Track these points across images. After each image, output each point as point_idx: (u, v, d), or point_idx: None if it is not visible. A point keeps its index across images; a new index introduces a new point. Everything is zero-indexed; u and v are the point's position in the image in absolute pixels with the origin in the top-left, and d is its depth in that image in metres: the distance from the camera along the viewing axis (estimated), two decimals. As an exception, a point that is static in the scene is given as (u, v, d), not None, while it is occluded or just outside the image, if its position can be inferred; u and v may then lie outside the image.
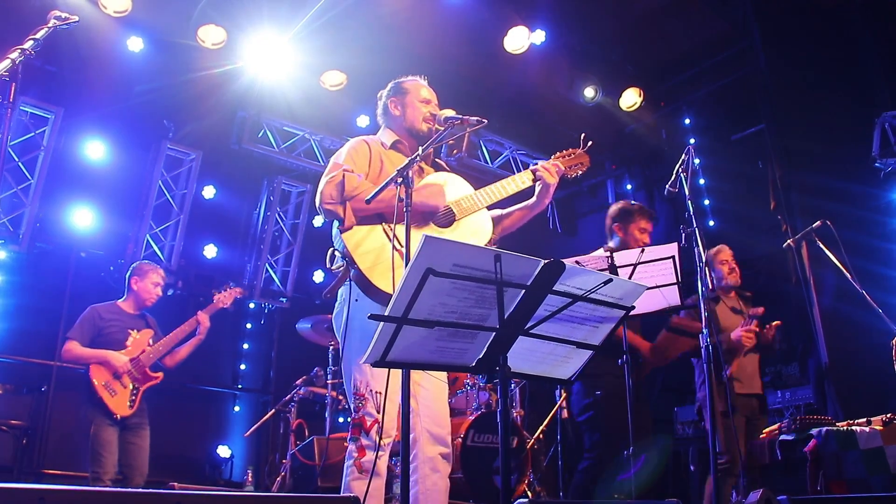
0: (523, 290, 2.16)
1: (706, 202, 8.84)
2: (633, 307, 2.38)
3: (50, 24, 3.14)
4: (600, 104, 8.84)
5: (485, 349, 2.31)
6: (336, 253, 3.64)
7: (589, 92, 8.65)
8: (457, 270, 2.06)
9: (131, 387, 5.79)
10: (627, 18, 8.14)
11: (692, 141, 9.06)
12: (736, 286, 6.04)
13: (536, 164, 3.93)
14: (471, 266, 2.07)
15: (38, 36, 3.00)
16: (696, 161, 8.77)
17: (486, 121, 3.63)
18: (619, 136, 9.43)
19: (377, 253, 3.45)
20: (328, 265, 3.70)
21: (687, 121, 9.20)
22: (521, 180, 3.87)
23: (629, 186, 10.08)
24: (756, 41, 7.88)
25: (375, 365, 2.18)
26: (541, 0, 7.88)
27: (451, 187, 3.77)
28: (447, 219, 3.69)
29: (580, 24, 8.18)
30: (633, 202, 5.51)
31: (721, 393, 5.08)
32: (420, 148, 3.44)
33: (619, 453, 4.88)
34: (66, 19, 3.22)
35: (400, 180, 3.12)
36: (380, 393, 3.41)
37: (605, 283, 2.20)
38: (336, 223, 3.59)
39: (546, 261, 2.12)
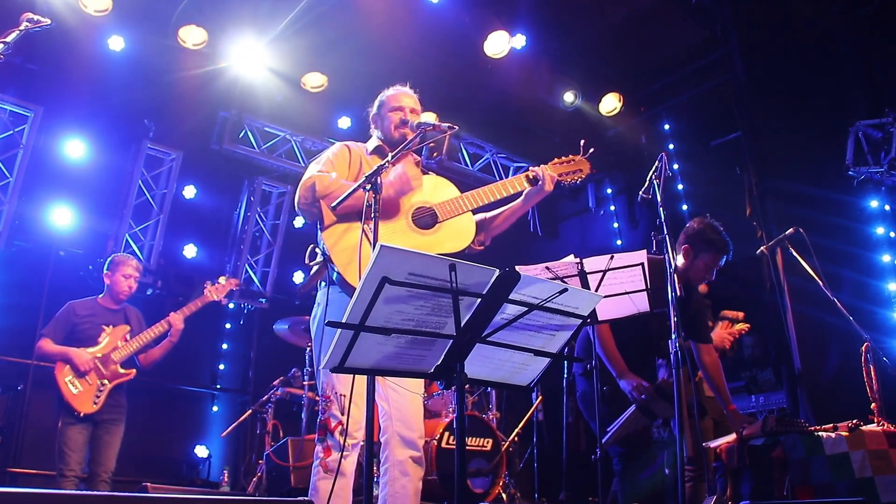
0: (479, 299, 2.20)
1: (684, 207, 8.90)
2: (590, 316, 2.42)
3: (21, 27, 3.16)
4: (580, 109, 8.90)
5: (442, 356, 2.35)
6: (316, 250, 3.69)
7: (569, 96, 8.71)
8: (412, 279, 2.09)
9: (98, 384, 5.77)
10: (608, 24, 8.20)
11: (671, 146, 9.13)
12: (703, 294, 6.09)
13: (532, 168, 3.96)
14: (426, 275, 2.11)
15: (8, 39, 3.02)
16: (675, 166, 8.87)
17: (457, 127, 3.68)
18: (599, 140, 9.45)
19: (353, 252, 3.51)
20: (307, 261, 3.76)
21: (666, 126, 9.26)
22: (513, 185, 3.91)
23: (609, 190, 10.15)
24: (734, 49, 7.96)
25: (334, 370, 2.23)
26: (521, 5, 7.92)
27: (437, 189, 3.84)
28: (429, 221, 3.73)
29: (561, 29, 8.24)
30: (717, 230, 5.28)
31: (689, 395, 5.12)
32: (390, 154, 3.49)
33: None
34: (37, 22, 3.24)
35: (368, 186, 3.16)
36: (345, 395, 3.46)
37: (561, 292, 2.24)
38: (318, 223, 3.67)
39: (501, 270, 2.16)
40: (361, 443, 3.50)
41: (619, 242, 9.79)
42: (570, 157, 4.12)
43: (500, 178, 9.74)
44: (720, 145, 8.71)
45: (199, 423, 9.38)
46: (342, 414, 3.44)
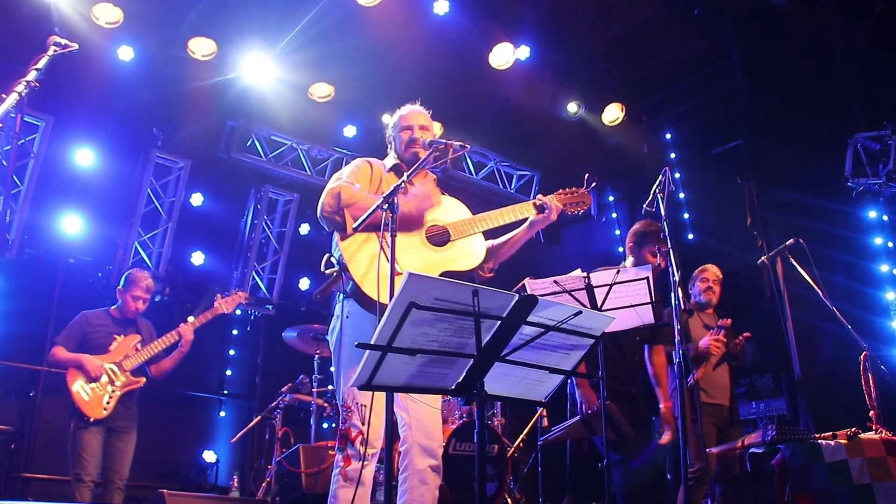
0: (499, 322, 2.33)
1: (686, 216, 9.03)
2: (602, 336, 2.54)
3: (50, 52, 3.27)
4: (583, 118, 9.03)
5: (463, 374, 2.48)
6: (332, 259, 3.80)
7: (572, 107, 8.85)
8: (438, 304, 2.23)
9: (108, 390, 5.88)
10: (610, 36, 8.32)
11: (673, 155, 9.25)
12: (710, 304, 6.22)
13: (539, 197, 4.12)
14: (450, 300, 2.24)
15: (39, 66, 3.13)
16: (677, 175, 8.98)
17: (469, 146, 3.81)
18: (601, 149, 9.60)
19: (370, 263, 3.63)
20: (322, 269, 3.86)
21: (668, 135, 9.38)
22: (521, 211, 4.05)
23: (611, 198, 10.26)
24: (735, 61, 8.08)
25: (362, 388, 2.35)
26: (526, 17, 8.04)
27: (449, 210, 3.97)
28: (442, 238, 3.86)
29: (564, 40, 8.36)
30: (651, 224, 5.49)
31: (688, 400, 5.24)
32: (405, 173, 3.62)
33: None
34: (65, 46, 3.34)
35: (386, 206, 3.28)
36: (365, 406, 3.58)
37: (576, 314, 2.36)
38: (336, 232, 3.78)
39: (520, 295, 2.28)
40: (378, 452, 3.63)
41: (620, 250, 9.87)
42: (574, 189, 4.29)
43: (504, 187, 9.94)
44: (721, 154, 8.83)
45: (207, 429, 9.49)
46: (363, 424, 3.56)
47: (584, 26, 8.17)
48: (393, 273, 3.18)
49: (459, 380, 2.49)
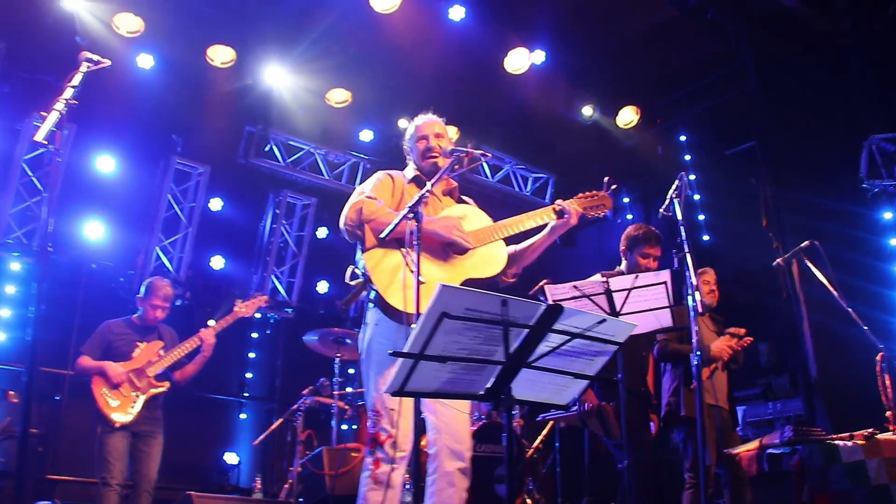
0: (527, 330, 2.42)
1: (700, 217, 9.08)
2: (624, 342, 2.63)
3: (83, 69, 3.37)
4: (598, 121, 9.10)
5: (492, 380, 2.57)
6: (356, 271, 3.89)
7: (587, 110, 8.94)
8: (468, 313, 2.32)
9: (132, 396, 5.98)
10: (624, 39, 8.37)
11: (687, 157, 9.31)
12: (711, 307, 6.26)
13: (558, 202, 4.16)
14: (480, 310, 2.33)
15: (75, 83, 3.24)
16: (692, 177, 9.03)
17: (489, 155, 3.90)
18: (615, 151, 9.66)
19: (393, 275, 3.72)
20: (347, 280, 3.95)
21: (682, 138, 9.44)
22: (541, 216, 4.10)
23: (626, 200, 10.32)
24: (748, 63, 8.12)
25: (395, 394, 2.45)
26: (540, 22, 8.11)
27: (470, 218, 4.05)
28: (463, 247, 3.93)
29: (578, 44, 8.43)
30: (641, 227, 5.66)
31: (691, 401, 5.31)
32: (428, 183, 3.70)
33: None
34: (98, 62, 3.44)
35: (411, 216, 3.37)
36: (394, 409, 3.68)
37: (600, 322, 2.45)
38: (358, 244, 3.88)
39: (547, 304, 2.37)
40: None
41: (636, 251, 9.94)
42: (594, 192, 4.31)
43: (519, 190, 10.00)
44: (735, 155, 8.87)
45: (228, 431, 9.62)
46: (392, 427, 3.65)
47: (598, 30, 8.24)
48: (418, 284, 3.26)
49: (488, 385, 2.58)
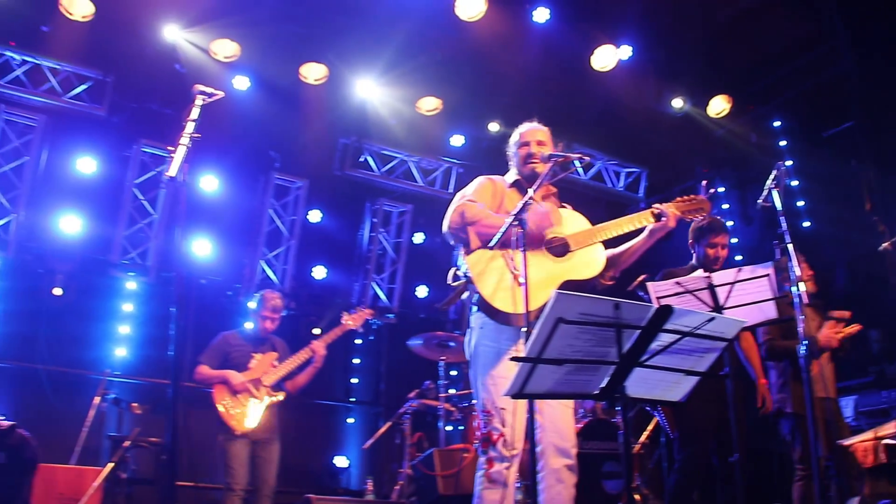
0: (638, 331, 2.51)
1: (800, 203, 8.90)
2: (734, 339, 2.69)
3: (199, 102, 3.58)
4: (689, 113, 9.03)
5: (606, 380, 2.67)
6: (458, 273, 4.03)
7: (677, 102, 8.87)
8: (583, 318, 2.44)
9: (251, 404, 6.27)
10: (712, 26, 8.27)
11: (782, 143, 9.14)
12: (812, 293, 6.16)
13: (656, 205, 4.23)
14: (594, 314, 2.44)
15: (194, 117, 3.45)
16: (788, 163, 8.86)
17: (588, 158, 3.99)
18: (708, 140, 9.55)
19: (498, 279, 3.84)
20: (449, 282, 4.09)
21: (776, 123, 9.28)
22: (639, 220, 4.18)
23: (721, 189, 10.16)
24: (843, 41, 7.93)
25: (515, 397, 2.58)
26: (625, 17, 8.09)
27: (569, 222, 4.15)
28: (562, 249, 4.04)
29: (665, 36, 8.38)
30: (706, 217, 5.69)
31: (800, 396, 5.26)
32: (530, 189, 3.81)
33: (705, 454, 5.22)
34: (212, 94, 3.66)
35: (516, 223, 3.49)
36: (505, 409, 3.80)
37: (709, 320, 2.52)
38: (461, 246, 4.01)
39: (658, 306, 2.45)
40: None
41: (734, 240, 9.80)
42: (692, 196, 4.38)
43: (612, 186, 9.99)
44: (834, 137, 8.66)
45: (336, 435, 9.91)
46: (503, 426, 3.77)
47: (684, 20, 8.17)
48: (527, 289, 3.36)
49: (602, 385, 2.68)
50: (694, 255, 5.61)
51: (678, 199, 4.33)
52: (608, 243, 4.19)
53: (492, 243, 3.68)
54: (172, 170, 3.28)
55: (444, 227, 4.02)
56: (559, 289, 3.04)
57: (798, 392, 5.38)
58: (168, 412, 8.04)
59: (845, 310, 5.89)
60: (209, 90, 3.71)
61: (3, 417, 5.64)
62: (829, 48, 8.24)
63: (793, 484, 5.62)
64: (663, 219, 4.17)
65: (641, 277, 4.93)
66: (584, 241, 4.06)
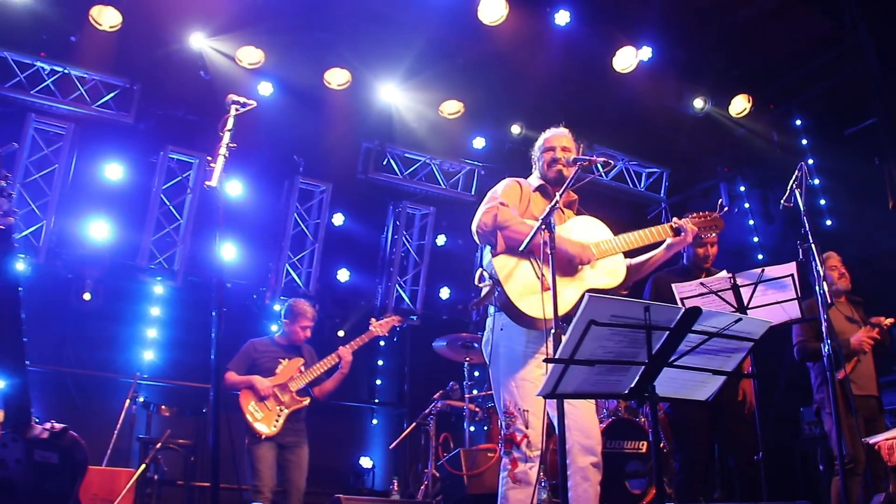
0: (667, 332, 2.58)
1: (822, 202, 8.90)
2: (760, 339, 2.75)
3: (232, 112, 3.67)
4: (710, 113, 9.05)
5: (635, 380, 2.74)
6: (484, 273, 4.10)
7: (698, 102, 8.89)
8: (614, 320, 2.51)
9: (277, 409, 6.36)
10: (732, 26, 8.29)
11: (804, 142, 9.15)
12: (847, 290, 6.19)
13: (675, 220, 4.33)
14: (625, 316, 2.51)
15: (229, 127, 3.54)
16: (809, 161, 8.86)
17: (612, 162, 4.05)
18: (729, 140, 9.58)
19: (525, 284, 3.91)
20: (476, 282, 4.16)
21: (798, 122, 9.29)
22: (659, 233, 4.28)
23: (742, 188, 10.19)
24: (864, 38, 7.92)
25: (547, 397, 2.65)
26: (645, 18, 8.13)
27: (592, 231, 4.23)
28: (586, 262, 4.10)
29: (685, 37, 8.42)
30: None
31: (840, 394, 5.28)
32: (556, 193, 3.88)
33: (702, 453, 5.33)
34: (244, 104, 3.75)
35: (544, 227, 3.56)
36: (527, 410, 3.87)
37: (736, 321, 2.59)
38: (488, 248, 4.07)
39: (686, 308, 2.52)
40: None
41: (755, 239, 9.83)
42: (708, 213, 4.46)
43: (634, 186, 10.02)
44: (856, 135, 8.64)
45: (361, 436, 10.01)
46: (526, 427, 3.85)
47: (704, 21, 8.20)
48: (555, 293, 3.42)
49: (632, 385, 2.75)
50: (685, 255, 5.66)
51: (695, 214, 4.42)
52: (627, 254, 4.28)
53: (521, 248, 3.75)
54: (214, 180, 3.36)
55: (474, 227, 4.09)
56: (584, 296, 3.11)
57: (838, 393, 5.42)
58: (199, 415, 8.24)
59: (870, 307, 5.93)
60: (242, 100, 3.79)
61: (38, 420, 5.76)
62: (849, 46, 8.22)
63: (834, 478, 5.68)
64: (682, 234, 4.26)
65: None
66: (608, 251, 4.14)
